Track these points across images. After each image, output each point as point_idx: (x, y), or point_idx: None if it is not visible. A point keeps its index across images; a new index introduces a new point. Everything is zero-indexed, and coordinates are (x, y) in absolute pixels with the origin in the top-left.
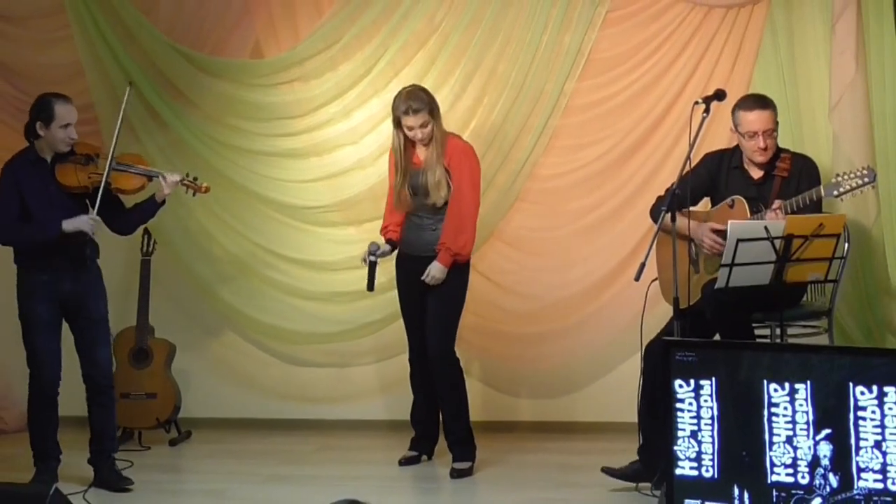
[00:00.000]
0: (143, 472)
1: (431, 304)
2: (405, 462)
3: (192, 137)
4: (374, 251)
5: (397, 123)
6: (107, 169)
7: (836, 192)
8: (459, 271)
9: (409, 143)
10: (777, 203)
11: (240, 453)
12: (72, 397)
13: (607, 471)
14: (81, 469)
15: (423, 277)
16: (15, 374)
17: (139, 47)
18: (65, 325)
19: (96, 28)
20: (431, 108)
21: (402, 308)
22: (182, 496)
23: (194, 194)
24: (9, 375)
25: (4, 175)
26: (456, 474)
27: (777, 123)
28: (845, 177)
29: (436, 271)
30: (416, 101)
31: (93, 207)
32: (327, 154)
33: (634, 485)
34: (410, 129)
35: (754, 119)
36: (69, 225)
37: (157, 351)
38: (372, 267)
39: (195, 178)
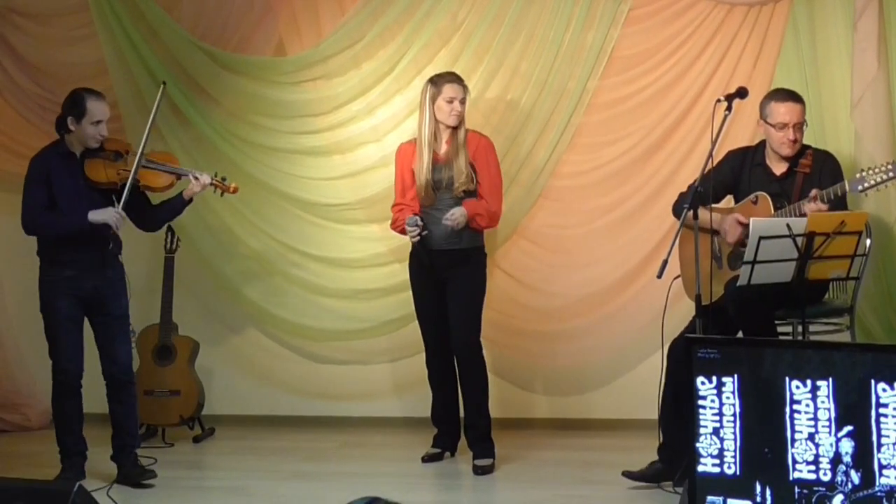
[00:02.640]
0: (167, 468)
1: (454, 298)
2: (428, 459)
3: (215, 135)
4: (416, 223)
5: (433, 99)
6: (135, 166)
7: (860, 187)
8: (478, 263)
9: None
10: (814, 192)
11: (263, 450)
12: (94, 394)
13: (627, 474)
14: (105, 466)
15: (444, 218)
16: (38, 371)
17: (162, 45)
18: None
19: (120, 26)
20: (465, 94)
21: (417, 305)
22: (205, 493)
23: (223, 194)
24: (32, 372)
25: (33, 166)
26: (480, 471)
27: (805, 121)
28: (870, 172)
29: (459, 214)
30: (458, 76)
31: (119, 203)
32: (350, 152)
33: (656, 482)
34: (451, 100)
35: (786, 111)
36: (95, 216)
37: (181, 348)
38: (424, 240)
39: (224, 179)
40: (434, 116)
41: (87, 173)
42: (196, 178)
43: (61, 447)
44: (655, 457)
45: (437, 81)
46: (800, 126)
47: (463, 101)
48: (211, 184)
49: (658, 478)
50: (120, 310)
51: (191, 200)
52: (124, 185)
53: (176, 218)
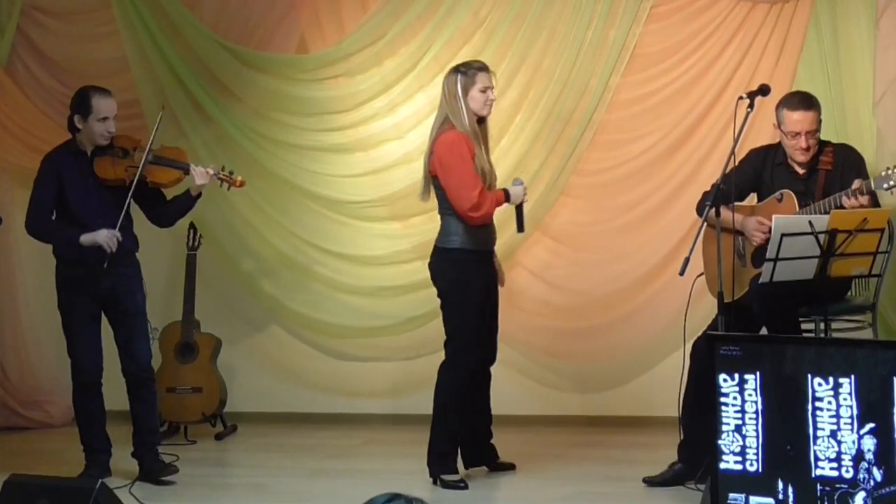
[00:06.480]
0: (189, 466)
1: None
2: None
3: (236, 132)
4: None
5: (466, 90)
6: (142, 162)
7: (885, 186)
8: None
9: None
10: (857, 183)
11: (285, 447)
12: (114, 391)
13: (648, 481)
14: (127, 463)
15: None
16: (60, 368)
17: (184, 42)
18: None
19: (142, 23)
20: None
21: (475, 312)
22: (228, 490)
23: (228, 188)
24: (54, 369)
25: (44, 166)
26: (502, 467)
27: (820, 122)
28: (894, 170)
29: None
30: (487, 65)
31: (123, 208)
32: (372, 149)
33: (678, 484)
34: (486, 89)
35: (798, 119)
36: (87, 239)
37: (203, 345)
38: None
39: (231, 172)
40: (469, 107)
41: (96, 171)
42: (199, 173)
43: (85, 445)
44: (674, 460)
45: (465, 71)
46: (813, 133)
47: (493, 90)
48: (216, 177)
49: (678, 480)
50: (136, 307)
51: (199, 195)
52: (133, 181)
53: (188, 213)
